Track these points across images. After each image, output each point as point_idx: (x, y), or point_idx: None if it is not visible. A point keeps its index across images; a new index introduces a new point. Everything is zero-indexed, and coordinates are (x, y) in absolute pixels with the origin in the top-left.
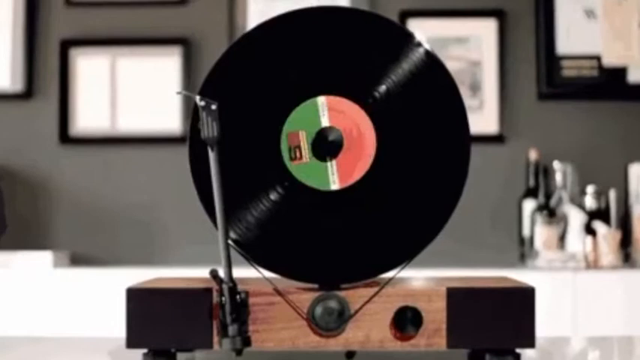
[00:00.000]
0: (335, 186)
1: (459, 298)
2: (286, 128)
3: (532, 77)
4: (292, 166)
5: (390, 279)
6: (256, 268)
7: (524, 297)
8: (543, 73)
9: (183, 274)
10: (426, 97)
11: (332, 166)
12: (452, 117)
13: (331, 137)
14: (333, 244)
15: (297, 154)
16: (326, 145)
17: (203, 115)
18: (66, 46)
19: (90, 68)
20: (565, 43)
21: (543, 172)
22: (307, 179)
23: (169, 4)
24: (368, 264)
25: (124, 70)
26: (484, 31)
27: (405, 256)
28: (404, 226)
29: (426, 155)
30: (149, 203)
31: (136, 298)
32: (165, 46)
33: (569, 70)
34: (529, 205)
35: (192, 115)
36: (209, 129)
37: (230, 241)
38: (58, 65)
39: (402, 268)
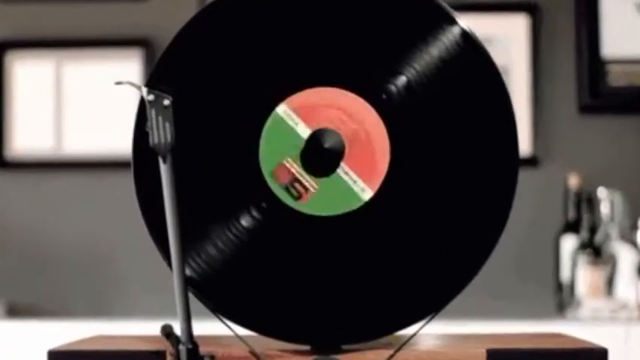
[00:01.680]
0: (367, 194)
1: None
2: (266, 168)
3: (571, 86)
4: (302, 206)
5: (409, 339)
6: (225, 323)
7: None
8: (585, 81)
9: (141, 329)
10: (461, 95)
11: (348, 172)
12: (495, 122)
13: (328, 144)
14: (331, 290)
15: (301, 189)
16: (324, 154)
17: (152, 113)
18: (1, 48)
19: (30, 75)
20: (612, 45)
21: (586, 201)
22: (330, 208)
23: (126, 0)
24: (377, 318)
25: (71, 78)
26: (513, 30)
27: (427, 307)
28: (427, 268)
29: (457, 173)
30: (102, 241)
31: None
32: (122, 48)
33: (616, 78)
34: (569, 243)
35: (137, 114)
36: (160, 133)
37: (189, 286)
38: None
39: (425, 325)
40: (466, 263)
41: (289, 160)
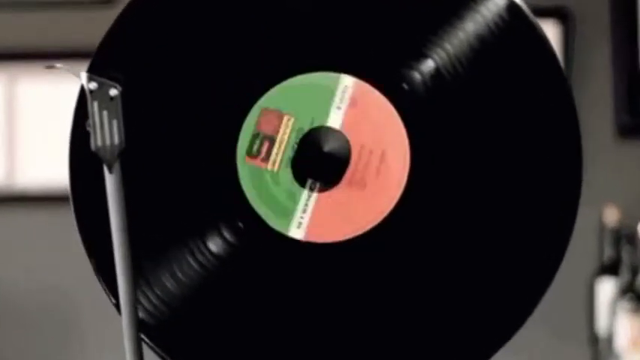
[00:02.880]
0: (297, 234)
1: None
2: (265, 101)
3: (607, 104)
4: (244, 167)
5: None
6: None
7: None
8: (623, 97)
9: None
10: (505, 86)
11: (309, 199)
12: (550, 125)
13: (328, 147)
14: (327, 339)
15: (262, 151)
16: (314, 161)
17: (94, 107)
18: None
19: None
20: None
21: (626, 238)
22: (259, 202)
23: (91, 5)
24: None
25: (25, 96)
26: None
27: None
28: (458, 315)
29: (499, 189)
30: (63, 286)
31: None
32: (86, 61)
33: None
34: (606, 288)
35: (74, 111)
36: (105, 133)
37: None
38: None
39: None
40: (509, 310)
41: (291, 120)
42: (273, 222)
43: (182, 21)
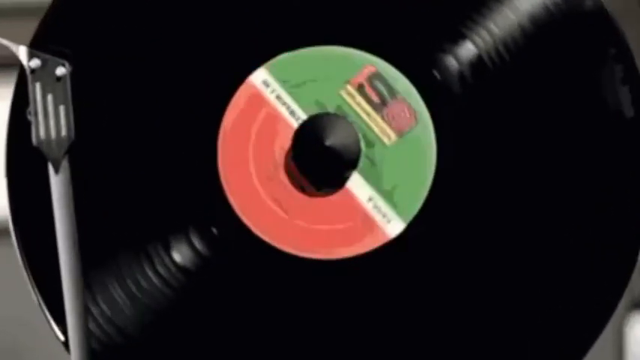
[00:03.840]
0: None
1: None
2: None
3: None
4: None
5: None
6: None
7: None
8: None
9: None
10: (564, 78)
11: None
12: (616, 128)
13: (329, 142)
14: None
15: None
16: (315, 156)
17: (36, 90)
18: None
19: None
20: None
21: None
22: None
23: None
24: None
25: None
26: None
27: None
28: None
29: (553, 207)
30: (12, 328)
31: None
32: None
33: None
34: (638, 327)
35: (13, 95)
36: (49, 122)
37: None
38: None
39: None
40: (575, 330)
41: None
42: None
43: None
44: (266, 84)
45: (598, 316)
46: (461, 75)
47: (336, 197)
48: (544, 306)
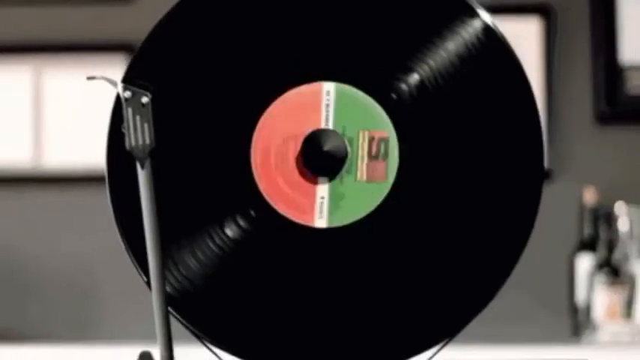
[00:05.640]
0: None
1: None
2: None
3: (587, 94)
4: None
5: None
6: (209, 349)
7: None
8: (602, 88)
9: (125, 353)
10: (480, 98)
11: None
12: (518, 132)
13: (328, 147)
14: (332, 313)
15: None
16: (319, 158)
17: (128, 112)
18: None
19: (6, 83)
20: (630, 49)
21: (603, 218)
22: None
23: (110, 2)
24: (386, 346)
25: (51, 86)
26: (525, 33)
27: (441, 333)
28: (441, 291)
29: (474, 185)
30: (84, 262)
31: None
32: (105, 54)
33: (635, 85)
34: (584, 262)
35: (111, 114)
36: (138, 135)
37: (170, 308)
38: None
39: (439, 351)
40: (484, 283)
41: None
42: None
43: (203, 40)
44: (328, 93)
45: (507, 260)
46: (410, 95)
47: (311, 185)
48: (475, 246)
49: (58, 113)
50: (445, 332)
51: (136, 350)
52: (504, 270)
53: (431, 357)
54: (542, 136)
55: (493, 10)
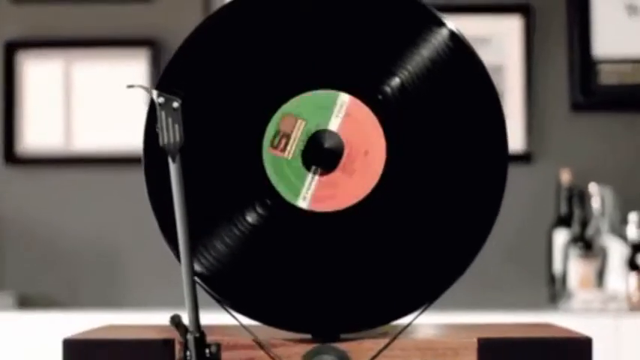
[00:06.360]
0: (303, 203)
1: (496, 353)
2: (285, 108)
3: (564, 85)
4: (267, 155)
5: (405, 327)
6: (230, 313)
7: (579, 351)
8: (577, 79)
9: (149, 319)
10: (450, 95)
11: (312, 180)
12: (484, 121)
13: (328, 144)
14: (331, 282)
15: (282, 144)
16: (318, 153)
17: (162, 115)
18: (12, 48)
19: (40, 74)
20: (603, 45)
21: (578, 197)
22: (277, 180)
23: (133, 1)
24: (374, 309)
25: (80, 77)
26: (507, 31)
27: (422, 298)
28: (422, 260)
29: (450, 170)
30: (111, 235)
31: (75, 352)
32: (129, 48)
33: (608, 77)
34: (561, 237)
35: (147, 116)
36: (169, 134)
37: (197, 278)
38: (3, 71)
39: (420, 314)
40: (459, 255)
41: (302, 124)
42: (288, 196)
43: (226, 52)
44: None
45: (481, 230)
46: (393, 96)
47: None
48: (451, 221)
49: (86, 101)
50: (426, 297)
51: (164, 315)
52: (476, 243)
53: (414, 318)
54: (504, 122)
55: (477, 9)
